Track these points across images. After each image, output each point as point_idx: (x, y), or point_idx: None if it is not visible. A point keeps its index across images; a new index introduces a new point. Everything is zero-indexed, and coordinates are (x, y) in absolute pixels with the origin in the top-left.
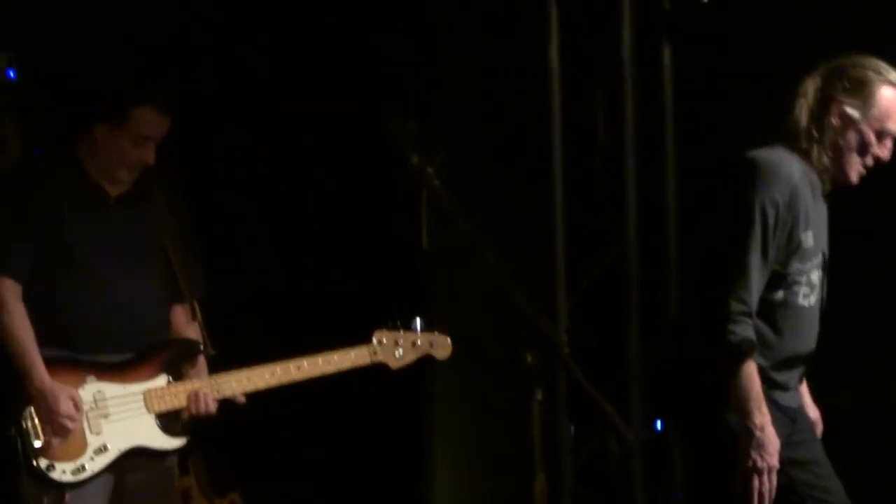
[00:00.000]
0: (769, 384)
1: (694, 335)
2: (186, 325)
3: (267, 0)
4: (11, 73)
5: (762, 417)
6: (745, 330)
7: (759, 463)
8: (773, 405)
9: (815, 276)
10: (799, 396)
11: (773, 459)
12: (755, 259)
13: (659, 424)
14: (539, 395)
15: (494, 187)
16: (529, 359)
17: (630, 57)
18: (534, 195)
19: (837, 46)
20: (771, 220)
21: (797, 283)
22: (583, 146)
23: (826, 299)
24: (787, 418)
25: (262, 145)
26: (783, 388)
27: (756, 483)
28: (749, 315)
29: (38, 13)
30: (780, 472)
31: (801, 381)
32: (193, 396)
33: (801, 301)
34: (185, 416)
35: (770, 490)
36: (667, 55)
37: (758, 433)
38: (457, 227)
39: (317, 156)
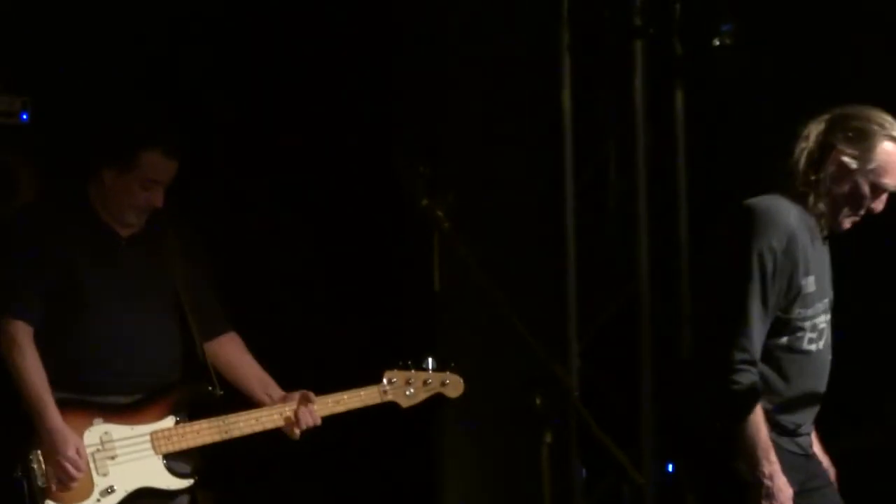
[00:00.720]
0: (779, 431)
1: (702, 381)
2: (243, 353)
3: (280, 41)
4: (24, 116)
5: (771, 467)
6: (748, 378)
7: None
8: (784, 451)
9: (821, 320)
10: (811, 442)
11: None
12: (755, 307)
13: (671, 467)
14: (548, 438)
15: (507, 228)
16: (538, 401)
17: (642, 100)
18: (546, 236)
19: (846, 92)
20: (769, 268)
21: (801, 328)
22: (595, 188)
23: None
24: (799, 465)
25: (275, 187)
26: (793, 433)
27: None
28: (752, 363)
29: (51, 58)
30: None
31: (811, 426)
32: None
33: (808, 346)
34: (191, 457)
35: None
36: (679, 99)
37: (767, 482)
38: (468, 269)
39: (330, 196)
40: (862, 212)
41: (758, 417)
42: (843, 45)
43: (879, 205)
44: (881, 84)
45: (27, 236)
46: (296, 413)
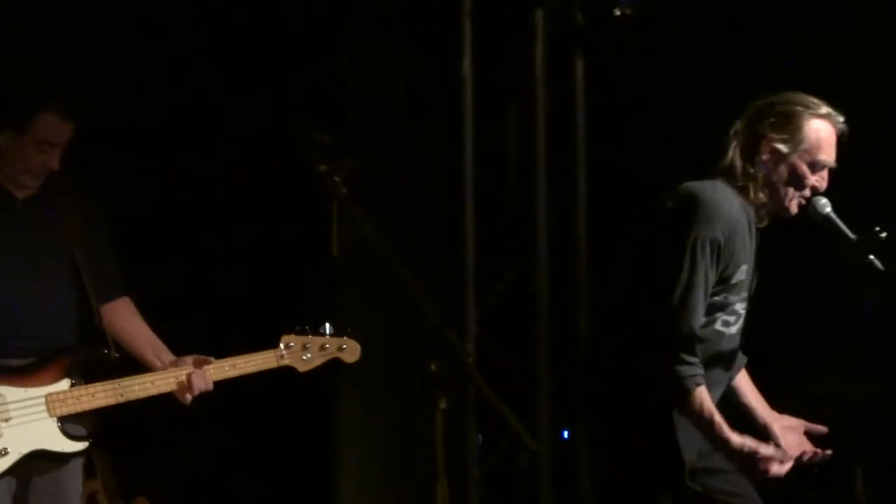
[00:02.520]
0: None
1: (605, 347)
2: (132, 314)
3: (178, 4)
4: None
5: (735, 437)
6: (692, 370)
7: (764, 466)
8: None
9: (741, 307)
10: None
11: (769, 454)
12: (698, 295)
13: (566, 434)
14: (442, 404)
15: (406, 197)
16: (433, 367)
17: (543, 70)
18: (445, 205)
19: (752, 61)
20: (710, 258)
21: (721, 311)
22: (495, 158)
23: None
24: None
25: (172, 151)
26: None
27: (778, 469)
28: (694, 352)
29: None
30: (694, 482)
31: (718, 398)
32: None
33: (720, 327)
34: (86, 420)
35: (786, 463)
36: (579, 69)
37: (746, 450)
38: (366, 235)
39: (229, 162)
40: (807, 192)
41: (702, 398)
42: (742, 17)
43: (822, 182)
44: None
45: None
46: (189, 377)
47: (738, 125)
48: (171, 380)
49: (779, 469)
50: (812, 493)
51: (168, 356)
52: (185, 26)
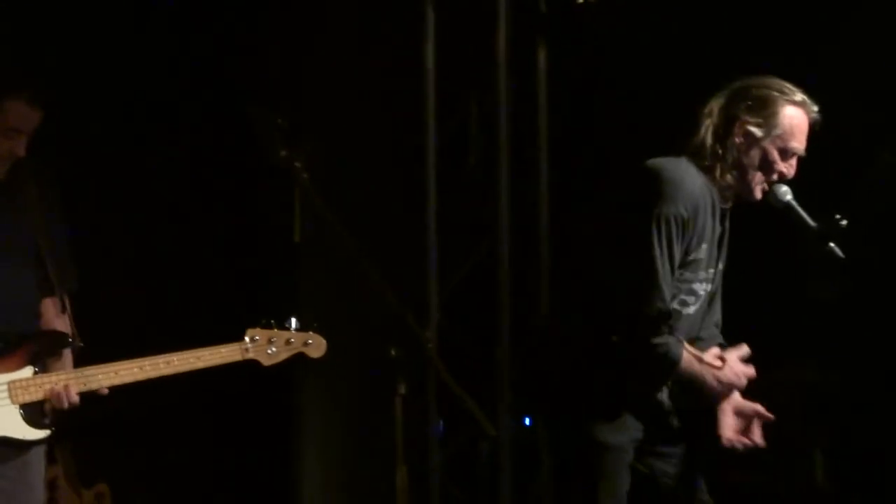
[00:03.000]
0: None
1: (566, 334)
2: (56, 317)
3: None
4: None
5: (714, 374)
6: (668, 338)
7: (738, 381)
8: (639, 399)
9: (701, 287)
10: (669, 393)
11: (739, 374)
12: (666, 272)
13: (527, 421)
14: (402, 389)
15: (368, 183)
16: (393, 352)
17: (505, 57)
18: (408, 191)
19: (717, 47)
20: (676, 234)
21: (679, 290)
22: (457, 145)
23: (721, 315)
24: (651, 414)
25: (132, 139)
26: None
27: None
28: (669, 326)
29: None
30: (642, 463)
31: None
32: (56, 391)
33: (677, 306)
34: (48, 407)
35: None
36: (542, 57)
37: (726, 379)
38: (327, 221)
39: (189, 150)
40: (774, 177)
41: (686, 356)
42: (705, 2)
43: (791, 169)
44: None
45: None
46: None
47: (713, 105)
48: (135, 370)
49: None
50: (772, 477)
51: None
52: (144, 13)
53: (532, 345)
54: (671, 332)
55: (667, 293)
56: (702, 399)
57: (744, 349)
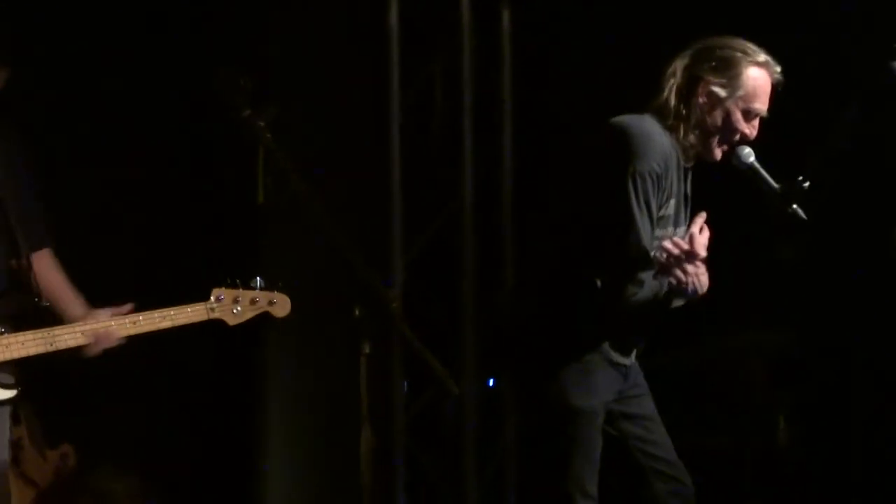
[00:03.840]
0: (609, 344)
1: (531, 295)
2: (50, 267)
3: None
4: None
5: (665, 281)
6: (649, 290)
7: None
8: (608, 363)
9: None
10: (636, 353)
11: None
12: (647, 229)
13: (491, 382)
14: (366, 349)
15: (332, 144)
16: (357, 312)
17: (469, 19)
18: (372, 153)
19: (681, 5)
20: (652, 189)
21: (651, 248)
22: (421, 106)
23: None
24: (620, 375)
25: (96, 98)
26: (620, 347)
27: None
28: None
29: None
30: (612, 427)
31: (639, 342)
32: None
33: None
34: (13, 368)
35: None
36: (506, 17)
37: (680, 283)
38: (290, 182)
39: (155, 108)
40: (736, 138)
41: (648, 289)
42: None
43: (753, 130)
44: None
45: None
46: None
47: (676, 64)
48: (102, 330)
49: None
50: (736, 439)
51: (82, 309)
52: None
53: (499, 307)
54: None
55: (649, 247)
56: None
57: (699, 220)
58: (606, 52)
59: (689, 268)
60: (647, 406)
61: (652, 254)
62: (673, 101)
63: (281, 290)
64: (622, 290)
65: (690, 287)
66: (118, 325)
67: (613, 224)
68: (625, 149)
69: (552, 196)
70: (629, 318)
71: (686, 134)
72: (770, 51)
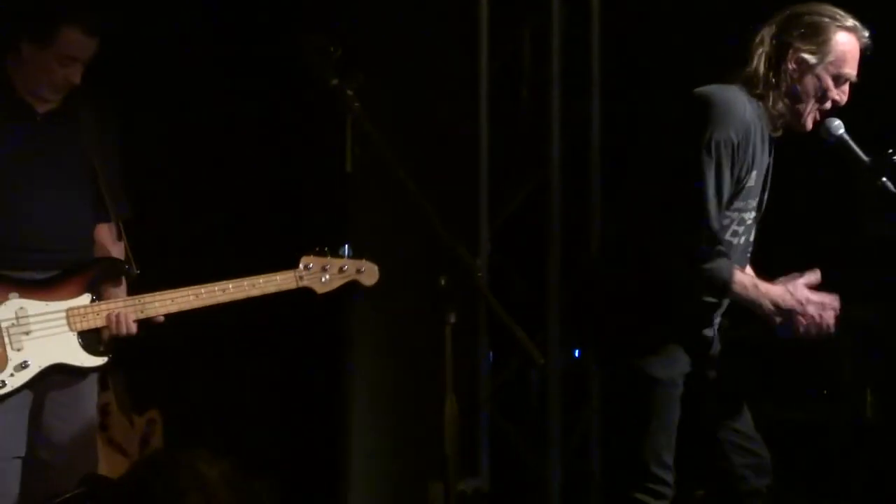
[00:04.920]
0: (690, 316)
1: (615, 267)
2: (112, 243)
3: None
4: None
5: (772, 298)
6: (718, 262)
7: (809, 312)
8: (689, 335)
9: (749, 215)
10: (715, 327)
11: (802, 301)
12: (714, 196)
13: (577, 353)
14: (452, 318)
15: (421, 115)
16: (443, 281)
17: None
18: (460, 124)
19: None
20: (727, 158)
21: (731, 220)
22: (510, 77)
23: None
24: (701, 347)
25: (187, 72)
26: (701, 320)
27: (816, 318)
28: (718, 246)
29: None
30: (690, 397)
31: (718, 315)
32: (114, 318)
33: (730, 237)
34: (106, 335)
35: (821, 313)
36: None
37: (786, 305)
38: (379, 151)
39: (244, 79)
40: (827, 106)
41: (741, 281)
42: None
43: (843, 96)
44: None
45: None
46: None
47: (764, 33)
48: (191, 297)
49: (829, 315)
50: (822, 414)
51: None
52: None
53: (584, 278)
54: (720, 255)
55: (715, 220)
56: (764, 323)
57: (814, 275)
58: (696, 21)
59: (827, 312)
60: (727, 378)
61: (726, 235)
62: (762, 70)
63: (369, 259)
64: (691, 266)
65: (814, 330)
66: (208, 293)
67: (684, 193)
68: (703, 116)
69: (636, 165)
70: (705, 293)
71: (776, 102)
72: (858, 17)
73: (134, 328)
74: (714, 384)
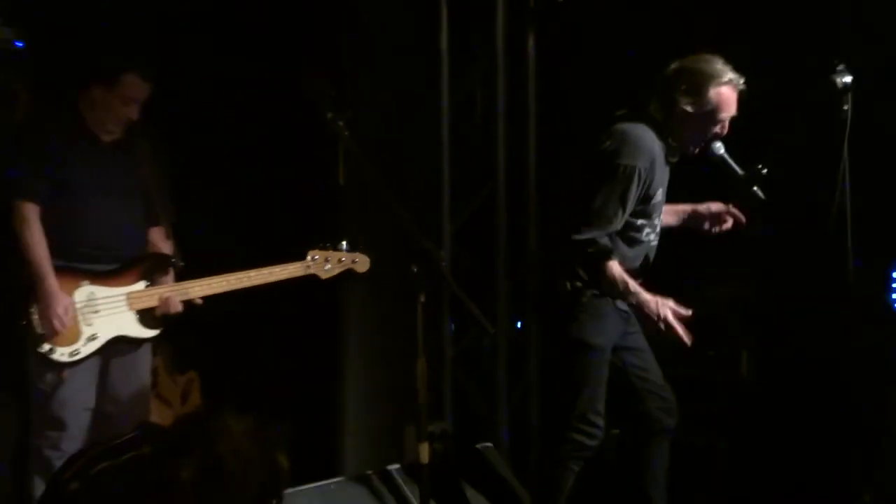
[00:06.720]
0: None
1: (553, 258)
2: (162, 242)
3: None
4: (18, 44)
5: (636, 294)
6: (603, 246)
7: (656, 310)
8: (615, 309)
9: (658, 220)
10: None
11: (660, 303)
12: (618, 208)
13: (519, 324)
14: (422, 298)
15: (397, 139)
16: (414, 269)
17: (503, 42)
18: (427, 144)
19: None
20: (634, 182)
21: (646, 224)
22: (466, 109)
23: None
24: (623, 318)
25: (216, 108)
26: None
27: (667, 316)
28: (607, 239)
29: None
30: (615, 357)
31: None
32: (164, 299)
33: (645, 237)
34: (157, 313)
35: (674, 316)
36: (531, 42)
37: (640, 300)
38: (363, 168)
39: (259, 112)
40: (710, 136)
41: (613, 267)
42: None
43: (723, 130)
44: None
45: (32, 137)
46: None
47: (659, 84)
48: (224, 283)
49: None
50: (708, 372)
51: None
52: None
53: (528, 267)
54: (606, 241)
55: (615, 220)
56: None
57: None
58: (614, 63)
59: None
60: (641, 341)
61: (640, 235)
62: (658, 116)
63: (362, 251)
64: (602, 255)
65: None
66: (236, 279)
67: (597, 195)
68: (620, 149)
69: (569, 178)
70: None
71: (669, 138)
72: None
73: (180, 307)
74: (632, 346)
